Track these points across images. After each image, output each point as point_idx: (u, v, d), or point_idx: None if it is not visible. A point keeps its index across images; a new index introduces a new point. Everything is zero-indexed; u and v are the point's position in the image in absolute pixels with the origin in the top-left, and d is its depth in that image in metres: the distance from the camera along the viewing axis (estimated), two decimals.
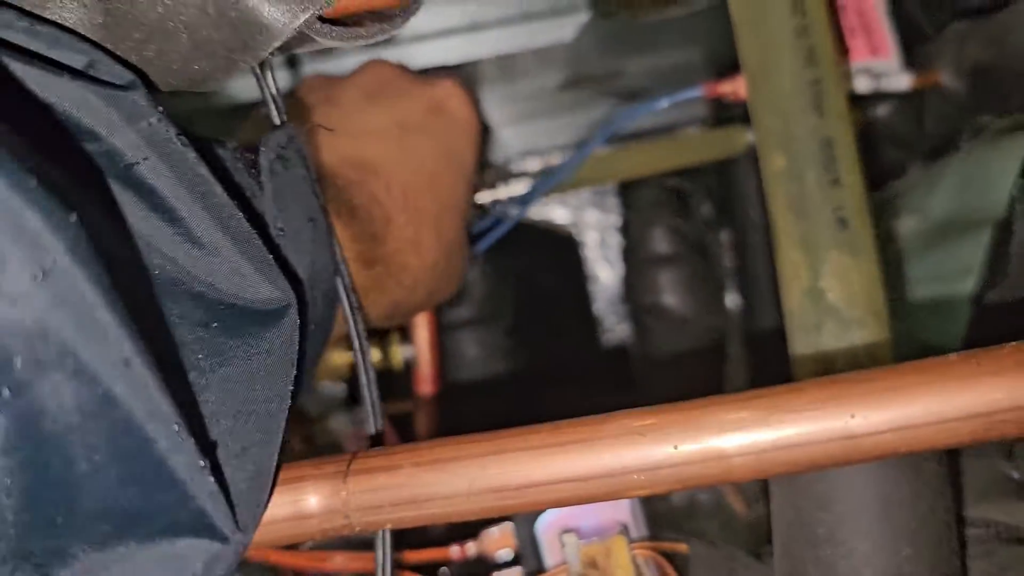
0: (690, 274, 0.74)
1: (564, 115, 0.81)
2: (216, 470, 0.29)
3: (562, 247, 0.91)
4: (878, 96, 0.66)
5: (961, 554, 0.40)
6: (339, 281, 0.41)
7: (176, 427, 0.26)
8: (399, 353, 0.75)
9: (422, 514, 0.34)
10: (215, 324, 0.31)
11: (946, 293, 0.68)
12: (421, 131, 0.54)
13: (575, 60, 0.77)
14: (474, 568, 0.56)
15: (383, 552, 0.38)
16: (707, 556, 0.47)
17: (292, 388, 0.33)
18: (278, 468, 0.33)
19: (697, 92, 0.60)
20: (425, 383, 0.75)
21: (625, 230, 0.78)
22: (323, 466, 0.35)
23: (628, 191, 0.78)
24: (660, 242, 0.75)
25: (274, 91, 0.40)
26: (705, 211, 0.76)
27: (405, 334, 0.77)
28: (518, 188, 0.68)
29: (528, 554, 0.55)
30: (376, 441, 0.39)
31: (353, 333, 0.40)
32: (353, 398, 0.83)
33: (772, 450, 0.30)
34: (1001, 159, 0.66)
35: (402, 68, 0.59)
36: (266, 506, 0.33)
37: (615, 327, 0.89)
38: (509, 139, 0.85)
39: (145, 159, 0.30)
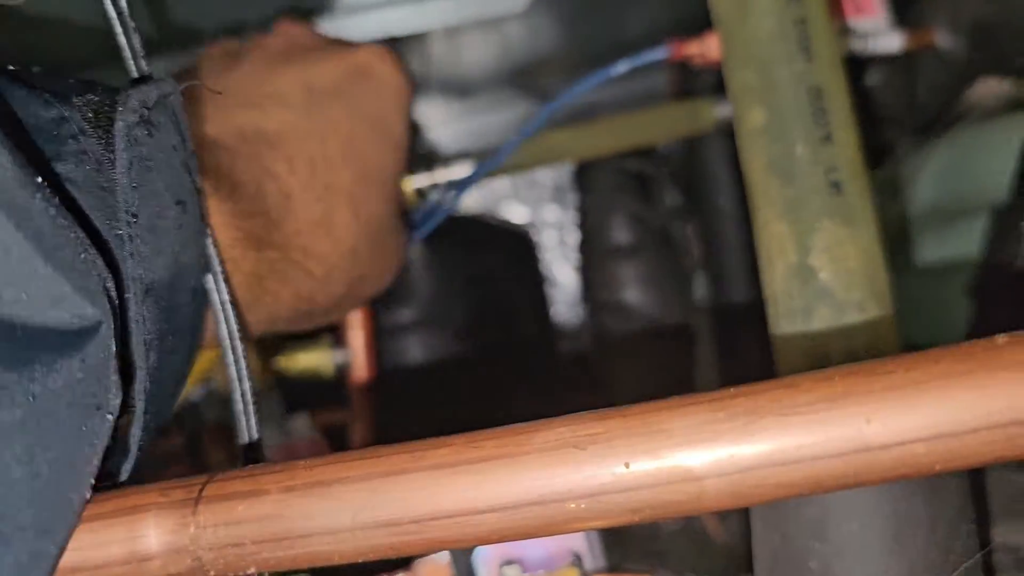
0: (653, 267, 0.66)
1: (514, 93, 0.74)
2: None
3: (518, 246, 0.83)
4: (863, 61, 0.58)
5: None
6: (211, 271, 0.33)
7: None
8: (330, 358, 0.66)
9: (296, 553, 0.25)
10: None
11: (937, 286, 0.61)
12: (336, 96, 0.46)
13: (528, 33, 0.70)
14: None
15: None
16: None
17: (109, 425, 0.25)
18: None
19: (661, 54, 0.52)
20: (361, 391, 0.67)
21: (582, 219, 0.70)
22: (171, 492, 0.27)
23: (584, 175, 0.71)
24: (620, 231, 0.67)
25: (129, 28, 0.31)
26: (669, 197, 0.68)
27: (339, 337, 0.68)
28: (462, 170, 0.60)
29: None
30: (252, 457, 0.31)
31: (221, 320, 0.32)
32: (290, 406, 0.75)
33: (758, 468, 0.22)
34: (998, 139, 0.59)
35: (319, 32, 0.52)
36: None
37: (575, 330, 0.81)
38: (455, 118, 0.78)
39: None
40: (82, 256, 0.25)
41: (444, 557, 0.48)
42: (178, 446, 0.68)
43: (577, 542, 0.44)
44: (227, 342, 0.32)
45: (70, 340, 0.24)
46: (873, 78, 0.60)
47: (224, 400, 0.69)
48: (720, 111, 0.60)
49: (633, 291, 0.66)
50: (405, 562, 0.49)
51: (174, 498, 0.26)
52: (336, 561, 0.25)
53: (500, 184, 0.83)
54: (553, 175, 0.81)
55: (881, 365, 0.22)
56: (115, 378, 0.26)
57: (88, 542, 0.26)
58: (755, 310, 0.70)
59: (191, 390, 0.66)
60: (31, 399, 0.23)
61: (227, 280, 0.33)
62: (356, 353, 0.67)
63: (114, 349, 0.25)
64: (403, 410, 0.72)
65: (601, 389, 0.68)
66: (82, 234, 0.25)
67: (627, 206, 0.66)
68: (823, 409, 0.22)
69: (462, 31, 0.68)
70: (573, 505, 0.23)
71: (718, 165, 0.68)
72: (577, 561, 0.41)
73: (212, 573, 0.26)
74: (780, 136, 0.37)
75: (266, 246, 0.38)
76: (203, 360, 0.57)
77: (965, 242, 0.57)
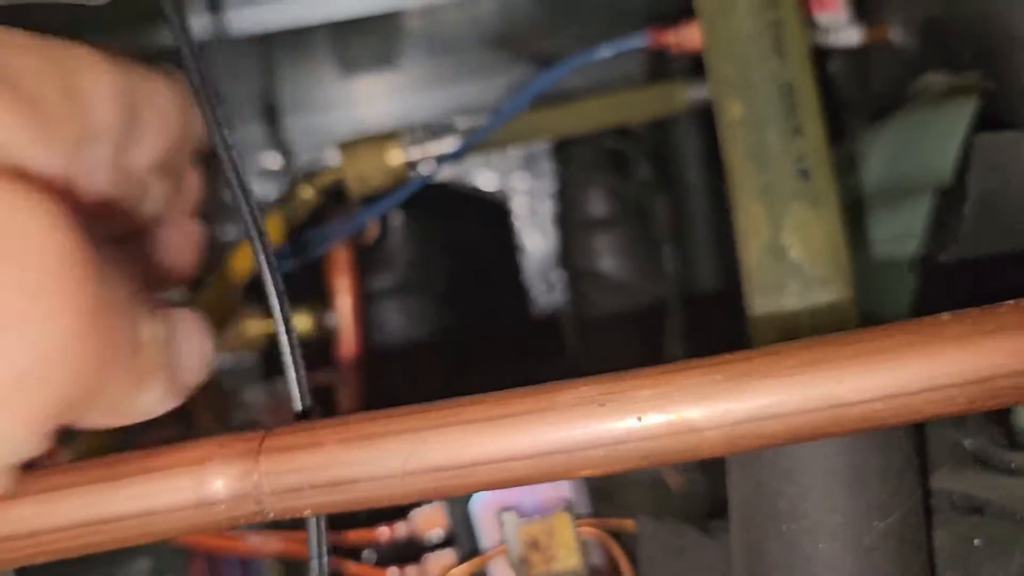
0: (628, 238, 0.70)
1: (493, 73, 0.77)
2: None
3: (491, 213, 0.87)
4: (824, 53, 0.63)
5: (928, 526, 0.37)
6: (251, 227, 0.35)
7: None
8: (318, 321, 0.70)
9: (349, 498, 0.29)
10: None
11: (886, 261, 0.66)
12: None
13: (505, 12, 0.73)
14: (404, 550, 0.52)
15: (317, 538, 0.33)
16: (655, 533, 0.44)
17: None
18: None
19: (641, 41, 0.56)
20: (349, 353, 0.70)
21: (560, 192, 0.74)
22: (231, 444, 0.30)
23: (563, 151, 0.74)
24: (597, 204, 0.71)
25: None
26: (643, 172, 0.72)
27: (325, 301, 0.72)
28: (446, 145, 0.64)
29: (462, 535, 0.51)
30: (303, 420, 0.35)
31: (272, 293, 0.35)
32: (270, 370, 0.79)
33: (749, 421, 0.27)
34: (943, 124, 0.64)
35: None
36: None
37: (546, 295, 0.85)
38: (437, 97, 0.81)
39: None
40: None
41: (440, 506, 0.52)
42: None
43: (566, 491, 0.48)
44: (276, 308, 0.35)
45: None
46: (833, 68, 0.64)
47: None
48: (692, 94, 0.64)
49: (608, 261, 0.70)
50: (403, 512, 0.53)
51: (236, 450, 0.30)
52: (385, 503, 0.29)
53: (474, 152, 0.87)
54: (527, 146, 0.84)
55: (850, 335, 0.27)
56: None
57: (159, 489, 0.30)
58: (720, 281, 0.75)
59: None
60: None
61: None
62: (343, 317, 0.71)
63: None
64: (384, 373, 0.76)
65: (576, 349, 0.73)
66: None
67: (604, 180, 0.70)
68: (804, 372, 0.26)
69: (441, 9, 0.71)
70: (593, 453, 0.27)
71: (687, 145, 0.73)
72: (568, 507, 0.45)
73: (272, 516, 0.30)
74: (755, 127, 0.42)
75: None
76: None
77: (911, 220, 0.62)
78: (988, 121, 0.51)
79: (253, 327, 0.66)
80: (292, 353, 0.34)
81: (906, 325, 0.27)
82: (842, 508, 0.35)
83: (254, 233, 0.35)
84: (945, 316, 0.27)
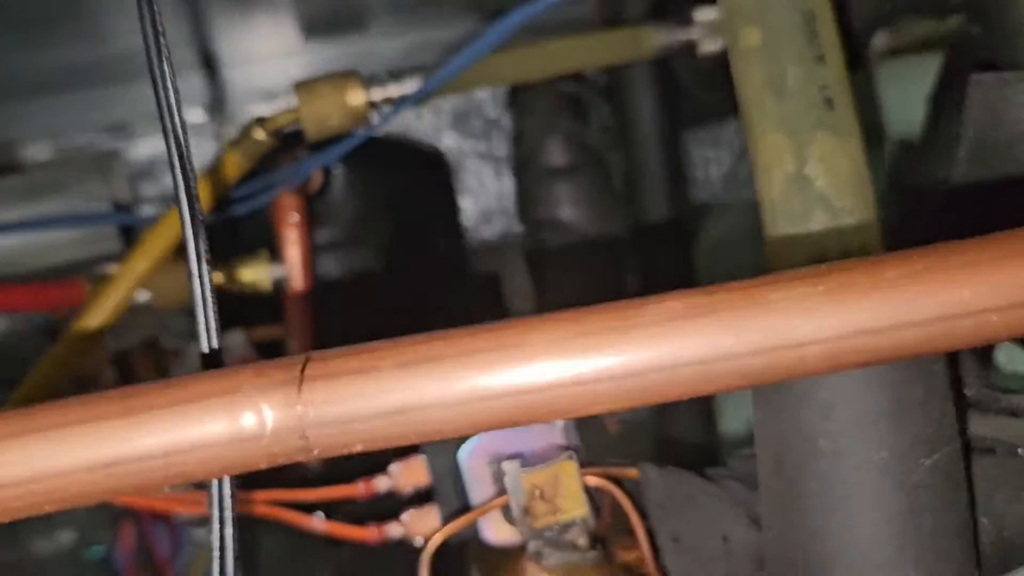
0: (587, 187, 0.68)
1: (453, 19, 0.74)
2: None
3: (435, 166, 0.84)
4: None
5: (968, 465, 0.37)
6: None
7: None
8: (269, 272, 0.66)
9: (405, 429, 0.26)
10: None
11: None
12: None
13: None
14: (384, 505, 0.49)
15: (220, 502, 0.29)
16: (660, 480, 0.42)
17: None
18: None
19: None
20: (297, 304, 0.66)
21: (517, 140, 0.72)
22: (269, 372, 0.27)
23: (519, 97, 0.72)
24: (556, 153, 0.69)
25: None
26: (601, 119, 0.70)
27: (274, 254, 0.68)
28: (408, 87, 0.60)
29: (446, 488, 0.48)
30: (211, 363, 0.31)
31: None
32: (224, 323, 0.74)
33: (854, 336, 0.25)
34: (907, 79, 0.65)
35: None
36: None
37: (492, 247, 0.84)
38: (393, 44, 0.78)
39: None
40: None
41: (420, 459, 0.50)
42: (104, 365, 0.66)
43: (559, 438, 0.46)
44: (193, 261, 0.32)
45: None
46: None
47: (152, 318, 0.67)
48: (660, 38, 0.62)
49: (568, 209, 0.68)
50: (382, 466, 0.50)
51: (275, 378, 0.27)
52: (446, 434, 0.26)
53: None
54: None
55: (955, 245, 0.26)
56: None
57: (188, 423, 0.26)
58: (672, 227, 0.74)
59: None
60: None
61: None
62: (292, 267, 0.67)
63: None
64: (329, 325, 0.72)
65: (537, 296, 0.71)
66: None
67: (563, 128, 0.68)
68: (911, 282, 0.25)
69: None
70: (685, 370, 0.25)
71: (642, 91, 0.71)
72: (572, 455, 0.43)
73: (316, 452, 0.27)
74: (775, 55, 0.40)
75: None
76: None
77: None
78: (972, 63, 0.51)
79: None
80: (204, 293, 0.31)
81: (1003, 236, 0.26)
82: (889, 443, 0.34)
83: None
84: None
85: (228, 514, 0.30)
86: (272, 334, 0.68)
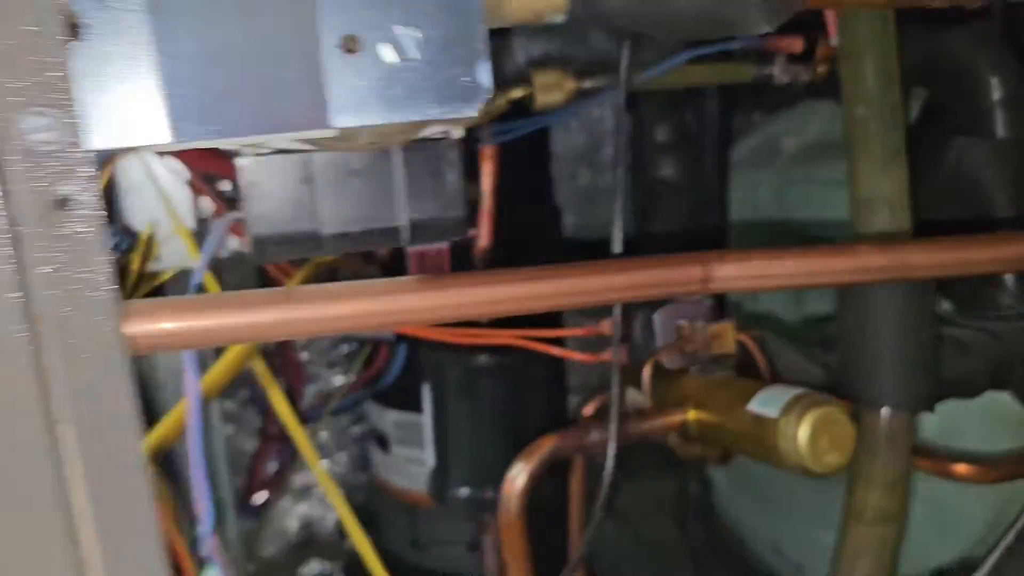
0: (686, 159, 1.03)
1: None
2: None
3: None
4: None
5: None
6: None
7: None
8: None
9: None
10: None
11: (826, 196, 1.00)
12: None
13: None
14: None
15: None
16: (779, 350, 0.77)
17: None
18: None
19: (762, 42, 0.88)
20: (485, 220, 0.96)
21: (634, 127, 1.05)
22: None
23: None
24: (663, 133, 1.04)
25: None
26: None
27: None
28: (610, 82, 0.92)
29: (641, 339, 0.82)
30: None
31: None
32: None
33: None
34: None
35: None
36: None
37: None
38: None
39: None
40: None
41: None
42: None
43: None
44: None
45: None
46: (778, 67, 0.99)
47: None
48: (753, 71, 0.96)
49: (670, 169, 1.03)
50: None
51: None
52: None
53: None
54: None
55: None
56: None
57: None
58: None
59: None
60: None
61: None
62: (486, 191, 0.97)
63: None
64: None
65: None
66: None
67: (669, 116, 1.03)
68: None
69: None
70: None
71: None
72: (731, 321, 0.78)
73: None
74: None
75: None
76: None
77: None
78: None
79: None
80: None
81: None
82: (906, 341, 0.71)
83: None
84: None
85: None
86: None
